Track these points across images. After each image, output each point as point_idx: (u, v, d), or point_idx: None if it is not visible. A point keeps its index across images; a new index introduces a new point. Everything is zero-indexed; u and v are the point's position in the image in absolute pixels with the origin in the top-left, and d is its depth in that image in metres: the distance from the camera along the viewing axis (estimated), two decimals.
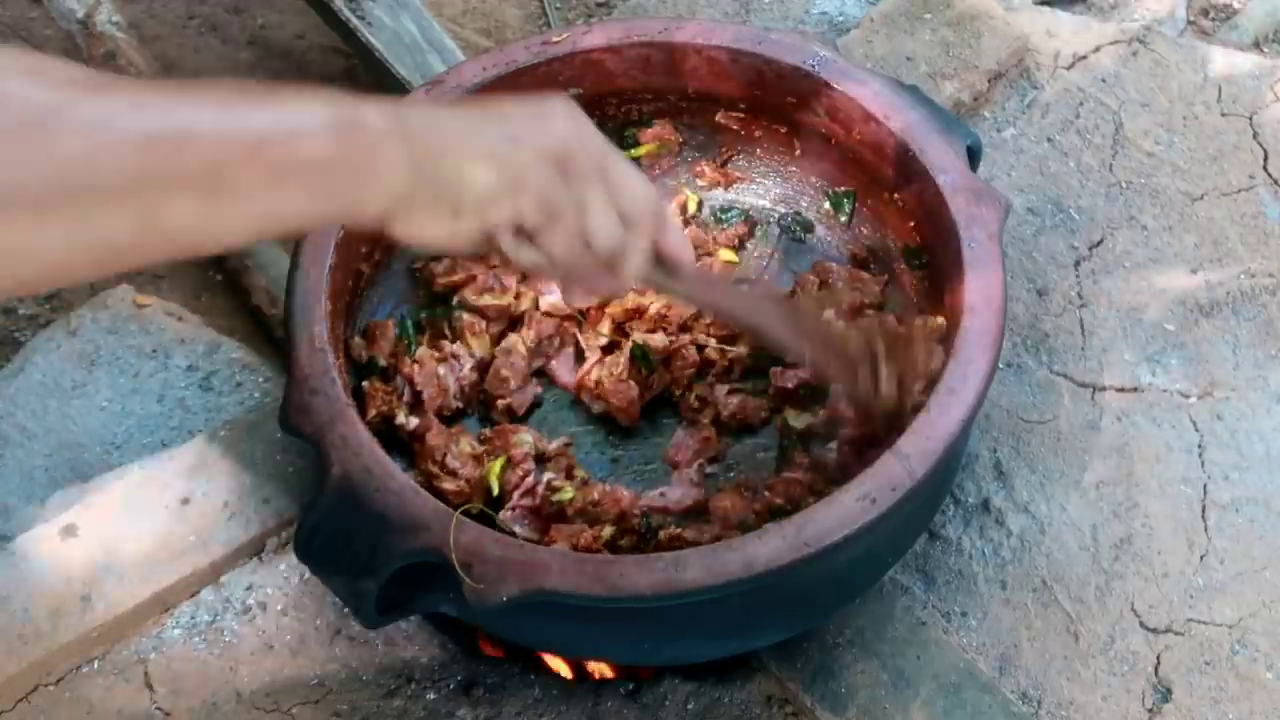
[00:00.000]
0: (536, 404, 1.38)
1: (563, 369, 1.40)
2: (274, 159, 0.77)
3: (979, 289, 1.22)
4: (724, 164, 1.50)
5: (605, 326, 1.39)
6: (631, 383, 1.34)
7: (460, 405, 1.35)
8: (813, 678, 1.27)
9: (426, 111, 0.97)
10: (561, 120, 0.93)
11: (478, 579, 1.06)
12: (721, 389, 1.35)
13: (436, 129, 0.88)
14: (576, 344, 1.41)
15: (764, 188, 1.50)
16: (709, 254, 1.45)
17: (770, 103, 1.42)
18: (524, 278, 1.41)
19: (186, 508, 1.32)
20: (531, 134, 0.91)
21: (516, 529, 1.24)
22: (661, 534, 1.23)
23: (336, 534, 1.12)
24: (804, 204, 1.48)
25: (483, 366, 1.37)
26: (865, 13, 1.82)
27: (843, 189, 1.44)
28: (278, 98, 0.80)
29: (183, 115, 0.75)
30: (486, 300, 1.39)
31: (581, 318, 1.41)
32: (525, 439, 1.29)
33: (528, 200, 0.91)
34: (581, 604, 1.08)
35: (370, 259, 1.37)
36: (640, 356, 1.35)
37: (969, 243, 1.25)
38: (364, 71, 1.82)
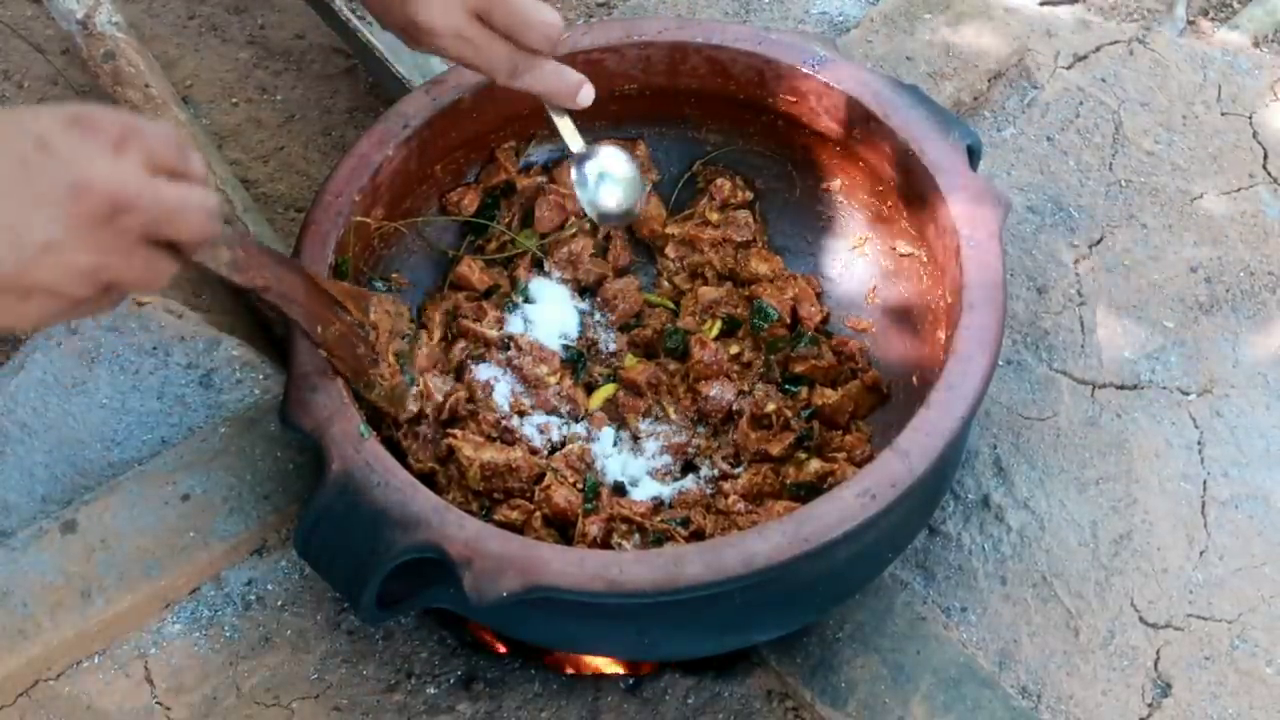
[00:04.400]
0: None
1: None
2: None
3: (979, 287, 1.22)
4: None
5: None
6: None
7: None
8: (812, 672, 1.27)
9: None
10: (78, 164, 0.81)
11: (477, 574, 1.06)
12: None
13: None
14: None
15: None
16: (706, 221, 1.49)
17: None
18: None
19: (186, 504, 1.32)
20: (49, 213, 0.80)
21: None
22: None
23: (336, 530, 1.13)
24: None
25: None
26: (865, 13, 1.82)
27: None
28: None
29: None
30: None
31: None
32: None
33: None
34: (581, 600, 1.09)
35: (371, 256, 1.37)
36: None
37: (969, 241, 1.25)
38: (364, 71, 1.82)
